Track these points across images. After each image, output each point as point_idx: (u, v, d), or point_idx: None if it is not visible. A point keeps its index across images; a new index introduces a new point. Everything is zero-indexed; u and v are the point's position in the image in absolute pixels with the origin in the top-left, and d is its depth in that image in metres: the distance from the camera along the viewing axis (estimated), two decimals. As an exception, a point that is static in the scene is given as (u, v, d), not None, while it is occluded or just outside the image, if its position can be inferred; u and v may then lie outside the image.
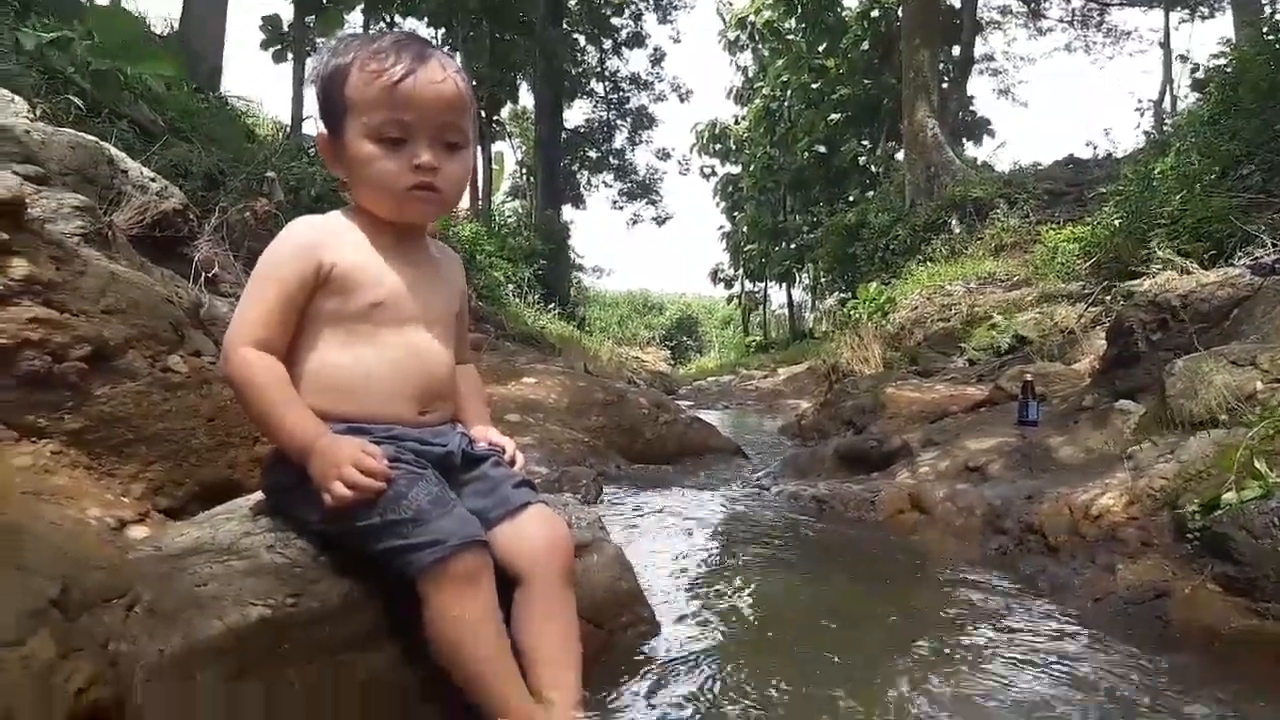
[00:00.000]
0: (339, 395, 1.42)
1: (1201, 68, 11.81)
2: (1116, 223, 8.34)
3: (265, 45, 12.66)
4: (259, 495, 1.55)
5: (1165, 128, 13.21)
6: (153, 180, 3.23)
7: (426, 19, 19.39)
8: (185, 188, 5.26)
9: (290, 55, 12.70)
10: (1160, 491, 2.34)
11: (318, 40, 12.77)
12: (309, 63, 12.35)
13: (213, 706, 1.15)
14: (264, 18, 12.57)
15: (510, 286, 17.14)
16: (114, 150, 3.20)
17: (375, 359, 1.44)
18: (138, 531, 1.54)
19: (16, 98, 3.14)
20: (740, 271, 35.35)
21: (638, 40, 30.27)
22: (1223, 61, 9.12)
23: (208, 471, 1.87)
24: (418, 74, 1.41)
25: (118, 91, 5.57)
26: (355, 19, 15.49)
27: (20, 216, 1.68)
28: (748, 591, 2.35)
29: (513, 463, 1.54)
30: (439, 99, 1.42)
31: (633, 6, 29.07)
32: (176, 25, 10.35)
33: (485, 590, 1.27)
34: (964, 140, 21.85)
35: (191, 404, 1.88)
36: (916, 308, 11.06)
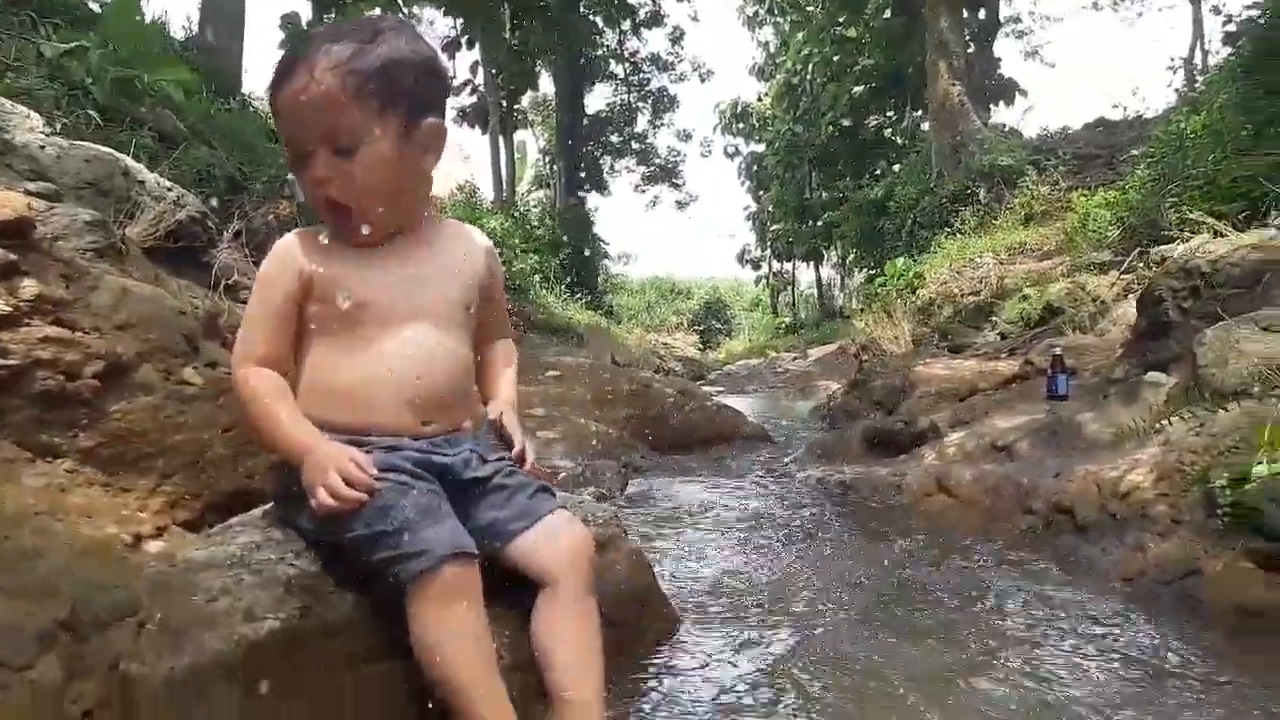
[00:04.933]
0: (335, 404, 1.41)
1: (1233, 20, 11.48)
2: (1148, 186, 8.14)
3: (285, 44, 12.73)
4: (272, 504, 1.56)
5: (1197, 85, 12.88)
6: (169, 190, 3.26)
7: (444, 9, 19.40)
8: (208, 193, 5.32)
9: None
10: (1190, 466, 2.29)
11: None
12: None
13: (223, 722, 1.16)
14: (283, 16, 12.62)
15: (537, 277, 17.16)
16: (130, 161, 3.23)
17: (368, 364, 1.42)
18: (154, 546, 1.56)
19: (33, 114, 3.18)
20: (767, 252, 35.16)
21: (656, 19, 30.00)
22: (1255, 13, 8.85)
23: (225, 482, 1.88)
24: (282, 89, 1.39)
25: (137, 99, 5.62)
26: (375, 14, 15.54)
27: (28, 236, 1.70)
28: (770, 584, 2.33)
29: (522, 459, 1.53)
30: (305, 109, 1.37)
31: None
32: (195, 29, 10.43)
33: (472, 602, 1.26)
34: (992, 105, 21.45)
35: (207, 415, 1.89)
36: (945, 282, 10.91)
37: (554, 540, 1.40)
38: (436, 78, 1.49)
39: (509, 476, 1.48)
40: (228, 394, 1.96)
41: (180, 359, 1.91)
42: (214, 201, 4.91)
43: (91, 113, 4.76)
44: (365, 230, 1.45)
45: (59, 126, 3.88)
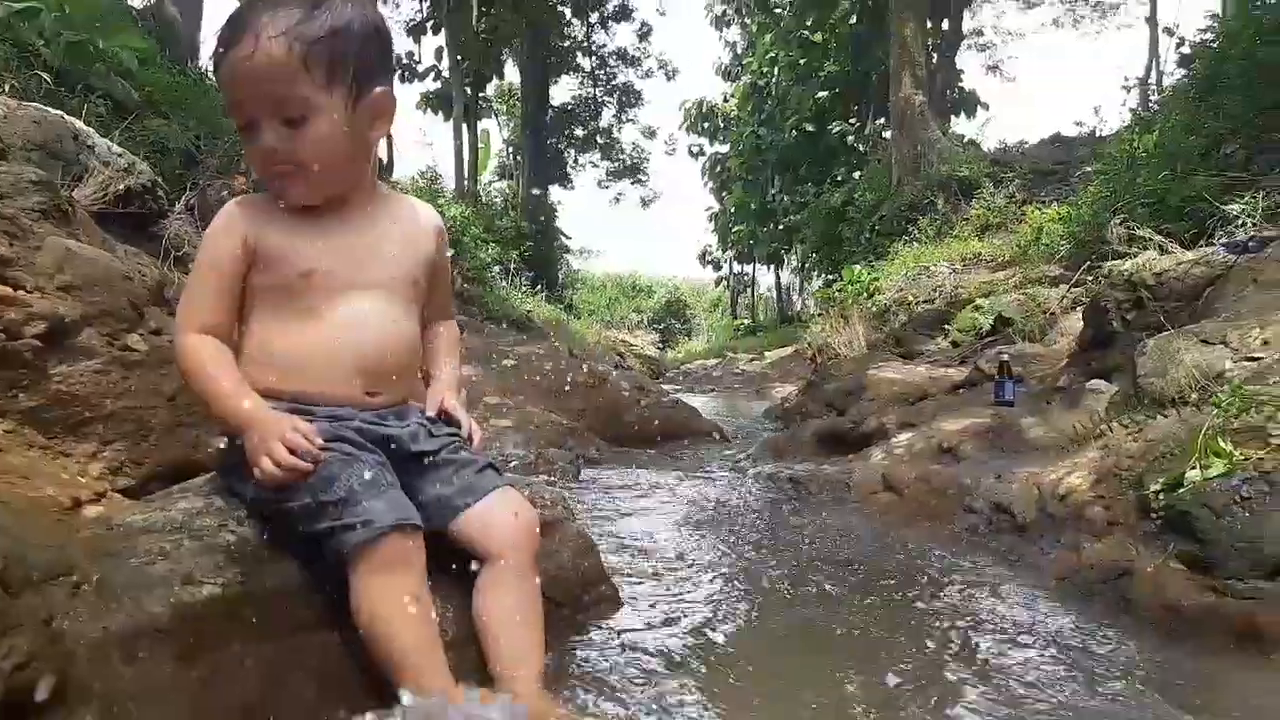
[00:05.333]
0: (281, 372, 1.40)
1: (1187, 43, 11.78)
2: (1100, 202, 8.33)
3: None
4: (215, 473, 1.54)
5: (1151, 104, 13.20)
6: (119, 156, 3.18)
7: (412, -8, 19.17)
8: (162, 164, 5.21)
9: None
10: (1127, 471, 2.35)
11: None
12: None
13: (157, 684, 1.14)
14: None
15: (497, 269, 17.03)
16: (80, 125, 3.15)
17: (313, 333, 1.41)
18: (92, 511, 1.53)
19: (-18, 73, 3.09)
20: (728, 253, 35.30)
21: (624, 13, 30.01)
22: (1209, 36, 9.09)
23: (168, 451, 1.85)
24: (227, 55, 1.35)
25: (90, 64, 5.48)
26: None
27: (-29, 192, 1.65)
28: (715, 571, 2.35)
29: (470, 439, 1.53)
30: (251, 78, 1.34)
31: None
32: (154, -1, 10.20)
33: (414, 573, 1.25)
34: (953, 116, 21.78)
35: (151, 383, 1.85)
36: (901, 289, 11.03)
37: (499, 517, 1.41)
38: (383, 44, 1.47)
39: (456, 452, 1.47)
40: (172, 362, 1.93)
41: (125, 324, 1.87)
42: (166, 172, 4.81)
43: (43, 75, 4.63)
44: (312, 199, 1.44)
45: (7, 88, 3.78)
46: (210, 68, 9.83)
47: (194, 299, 1.42)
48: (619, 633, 1.77)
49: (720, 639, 1.79)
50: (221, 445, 1.45)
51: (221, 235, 1.43)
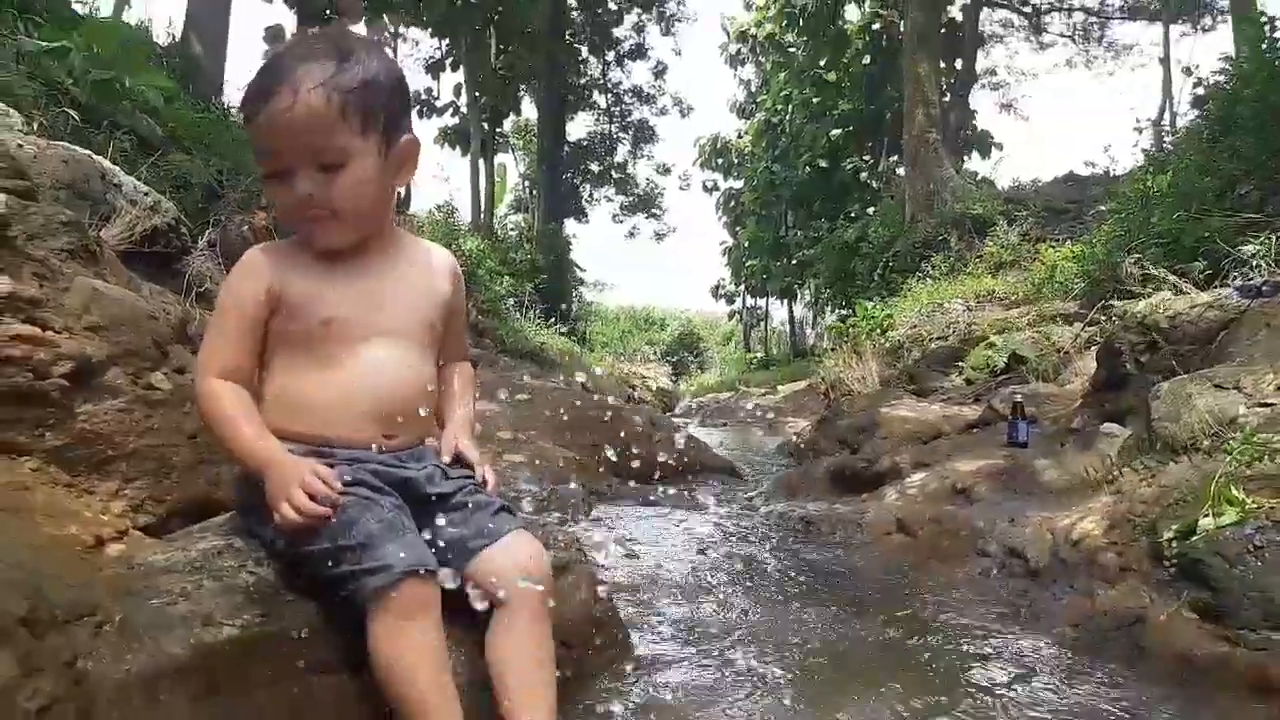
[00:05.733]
0: (300, 418, 1.42)
1: (1202, 83, 11.82)
2: (1114, 241, 8.33)
3: (267, 55, 12.73)
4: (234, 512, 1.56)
5: (1165, 144, 13.24)
6: (145, 195, 3.25)
7: (430, 30, 19.48)
8: (185, 200, 5.29)
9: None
10: (1140, 517, 2.35)
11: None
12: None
13: (177, 726, 1.16)
14: (267, 28, 12.65)
15: (511, 301, 17.14)
16: (107, 164, 3.22)
17: (331, 379, 1.44)
18: (114, 549, 1.55)
19: (13, 111, 3.17)
20: (741, 287, 35.38)
21: (640, 52, 30.43)
22: (1222, 78, 9.13)
23: (189, 489, 1.87)
24: (267, 108, 1.39)
25: (116, 102, 5.61)
26: (360, 29, 15.57)
27: (3, 233, 1.70)
28: (726, 615, 2.35)
29: (484, 482, 1.55)
30: (291, 128, 1.38)
31: (635, 17, 29.18)
32: (178, 36, 10.42)
33: (430, 619, 1.27)
34: (966, 155, 21.90)
35: (173, 421, 1.88)
36: (915, 326, 11.04)
37: (513, 560, 1.41)
38: (405, 93, 1.54)
39: (471, 495, 1.49)
40: (194, 400, 1.96)
41: (149, 363, 1.91)
42: (189, 207, 4.89)
43: (71, 113, 4.74)
44: (342, 244, 1.48)
45: (36, 125, 3.87)
46: (232, 105, 10.07)
47: (216, 343, 1.45)
48: (631, 676, 1.77)
49: (730, 683, 1.79)
50: (240, 486, 1.48)
51: (246, 280, 1.46)
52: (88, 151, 3.26)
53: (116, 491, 1.73)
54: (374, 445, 1.44)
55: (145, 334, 1.94)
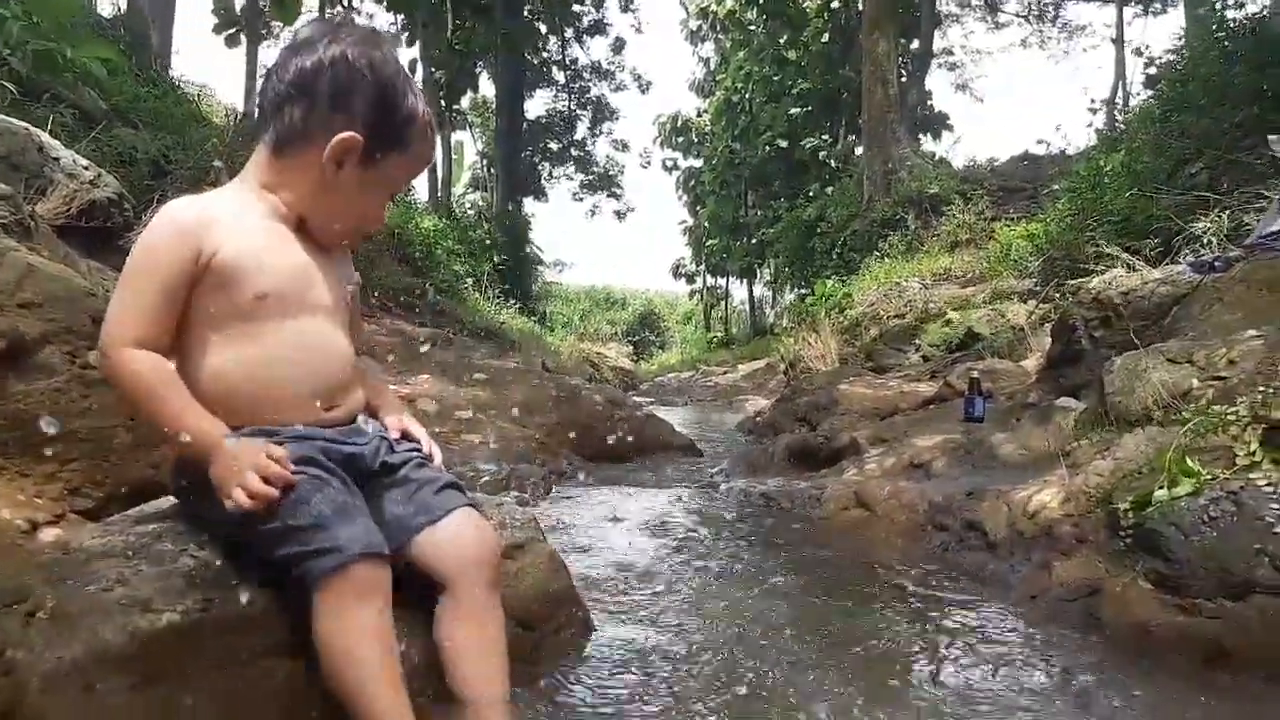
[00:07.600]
0: (236, 399, 1.34)
1: (1154, 63, 11.99)
2: (1067, 220, 8.45)
3: (218, 29, 12.42)
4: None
5: (1118, 124, 13.44)
6: (85, 168, 3.13)
7: (385, 3, 19.08)
8: (131, 175, 5.14)
9: (244, 39, 12.47)
10: (1095, 489, 2.37)
11: (272, 25, 12.55)
12: (262, 47, 12.15)
13: (113, 715, 1.11)
14: (216, 1, 12.33)
15: (470, 281, 16.96)
16: (45, 137, 3.10)
17: (269, 357, 1.36)
18: (49, 534, 1.49)
19: (-57, 82, 3.03)
20: (702, 267, 35.41)
21: (599, 28, 30.10)
22: (1174, 58, 9.27)
23: (129, 472, 1.81)
24: (429, 158, 1.56)
25: (58, 74, 5.41)
26: (310, 3, 15.20)
27: (-72, 206, 1.62)
28: (687, 592, 2.34)
29: (430, 458, 1.50)
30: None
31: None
32: (124, 7, 10.11)
33: (380, 603, 1.23)
34: (922, 135, 22.06)
35: (112, 402, 1.82)
36: (873, 304, 11.14)
37: (458, 539, 1.37)
38: None
39: (418, 469, 1.45)
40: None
41: (86, 342, 1.84)
42: (134, 183, 4.75)
43: (8, 85, 4.56)
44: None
45: (-30, 97, 3.71)
46: (182, 78, 9.80)
47: (130, 311, 1.31)
48: (590, 656, 1.75)
49: (692, 662, 1.78)
50: (178, 466, 1.40)
51: (169, 241, 1.33)
52: (25, 124, 3.13)
53: (52, 474, 1.67)
54: (316, 422, 1.39)
55: (82, 311, 1.87)
